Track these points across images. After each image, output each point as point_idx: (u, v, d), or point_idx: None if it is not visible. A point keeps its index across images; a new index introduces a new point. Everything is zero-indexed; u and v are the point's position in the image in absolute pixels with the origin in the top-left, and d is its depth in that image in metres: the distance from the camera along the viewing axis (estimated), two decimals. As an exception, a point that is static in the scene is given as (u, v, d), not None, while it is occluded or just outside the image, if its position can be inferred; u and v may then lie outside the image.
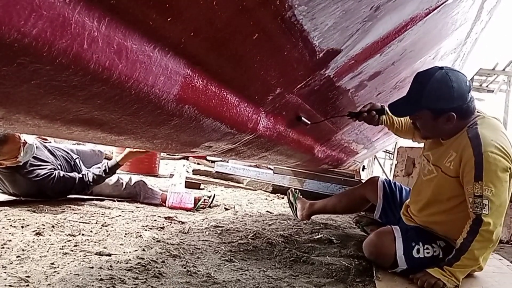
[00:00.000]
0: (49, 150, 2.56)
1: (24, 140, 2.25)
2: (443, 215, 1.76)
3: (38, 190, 2.37)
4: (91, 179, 2.58)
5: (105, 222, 2.03)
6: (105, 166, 2.65)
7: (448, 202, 1.73)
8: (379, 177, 2.39)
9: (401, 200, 2.20)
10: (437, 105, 1.63)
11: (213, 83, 1.16)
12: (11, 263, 1.39)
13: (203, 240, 1.95)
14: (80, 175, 2.55)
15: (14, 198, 2.39)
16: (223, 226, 2.24)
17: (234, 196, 3.71)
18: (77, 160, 2.75)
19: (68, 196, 2.54)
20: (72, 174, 2.52)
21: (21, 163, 2.28)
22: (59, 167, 2.56)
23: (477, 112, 1.72)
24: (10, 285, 1.21)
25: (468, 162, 1.59)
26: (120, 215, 2.26)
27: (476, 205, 1.55)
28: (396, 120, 2.08)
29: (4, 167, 2.28)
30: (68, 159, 2.68)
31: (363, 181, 2.72)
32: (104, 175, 2.63)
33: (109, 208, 2.48)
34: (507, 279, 1.85)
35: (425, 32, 1.90)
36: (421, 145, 2.08)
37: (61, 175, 2.45)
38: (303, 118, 1.82)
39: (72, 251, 1.57)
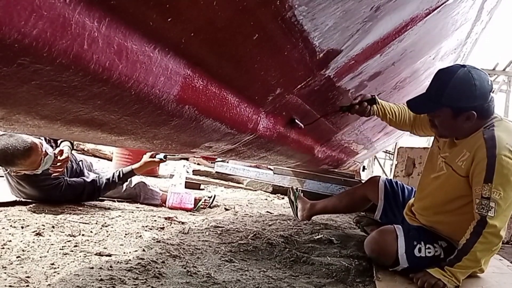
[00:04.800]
0: None
1: (45, 150, 2.24)
2: (449, 215, 1.75)
3: (47, 197, 2.37)
4: (103, 184, 2.57)
5: (105, 223, 2.03)
6: (119, 172, 2.64)
7: (455, 202, 1.72)
8: (380, 176, 2.38)
9: (403, 200, 2.20)
10: (459, 103, 1.61)
11: (213, 83, 1.16)
12: (11, 264, 1.39)
13: (203, 241, 1.94)
14: (90, 180, 2.54)
15: (14, 199, 2.39)
16: (223, 227, 2.24)
17: (234, 197, 3.71)
18: (80, 163, 2.74)
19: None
20: (80, 180, 2.51)
21: (39, 172, 2.28)
22: (66, 173, 2.54)
23: (495, 113, 1.71)
24: (10, 286, 1.21)
25: (480, 163, 1.58)
26: (120, 216, 2.25)
27: (483, 207, 1.55)
28: (389, 111, 2.04)
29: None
30: (72, 164, 2.66)
31: (364, 181, 2.71)
32: (117, 181, 2.63)
33: (109, 208, 2.48)
34: (507, 279, 1.85)
35: (425, 32, 1.90)
36: (420, 142, 2.06)
37: (69, 182, 2.44)
38: (296, 121, 1.81)
39: (72, 251, 1.57)
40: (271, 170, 4.34)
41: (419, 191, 1.96)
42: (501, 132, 1.61)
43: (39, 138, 2.25)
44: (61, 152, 2.36)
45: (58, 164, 2.33)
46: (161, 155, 2.73)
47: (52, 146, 2.38)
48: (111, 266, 1.45)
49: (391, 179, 2.34)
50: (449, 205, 1.75)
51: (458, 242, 1.64)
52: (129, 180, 2.84)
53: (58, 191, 2.38)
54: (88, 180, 2.54)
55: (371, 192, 2.32)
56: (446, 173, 1.75)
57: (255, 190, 4.21)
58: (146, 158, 2.74)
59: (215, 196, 3.12)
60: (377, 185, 2.29)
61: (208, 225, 2.27)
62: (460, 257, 1.59)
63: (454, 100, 1.61)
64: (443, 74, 1.67)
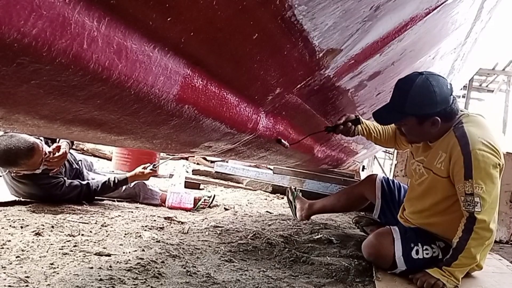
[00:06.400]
0: None
1: (45, 150, 2.24)
2: (439, 216, 1.76)
3: (46, 195, 2.37)
4: (98, 188, 2.57)
5: (105, 222, 2.03)
6: (114, 178, 2.66)
7: (443, 203, 1.74)
8: (377, 175, 2.38)
9: (400, 199, 2.20)
10: (421, 111, 1.64)
11: (213, 83, 1.16)
12: (10, 264, 1.39)
13: (202, 240, 1.94)
14: (85, 183, 2.54)
15: (14, 198, 2.39)
16: (222, 226, 2.24)
17: (233, 196, 3.71)
18: (80, 163, 2.74)
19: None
20: (77, 182, 2.51)
21: (38, 172, 2.28)
22: (64, 172, 2.55)
23: (460, 110, 1.73)
24: (9, 286, 1.21)
25: (457, 161, 1.60)
26: (119, 215, 2.25)
27: (468, 203, 1.56)
28: (373, 130, 2.07)
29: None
30: (71, 163, 2.66)
31: (362, 179, 2.71)
32: (111, 186, 2.63)
33: (108, 208, 2.48)
34: (506, 279, 1.86)
35: (425, 32, 1.90)
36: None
37: (68, 183, 2.44)
38: (282, 141, 1.83)
39: (71, 251, 1.57)
40: (271, 169, 4.34)
41: (408, 196, 1.98)
42: (471, 127, 1.63)
43: (38, 138, 2.25)
44: (58, 148, 2.35)
45: (55, 160, 2.32)
46: (151, 166, 2.79)
47: (49, 146, 2.38)
48: (110, 266, 1.45)
49: (388, 178, 2.34)
50: (438, 206, 1.76)
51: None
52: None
53: (58, 190, 2.38)
54: (84, 183, 2.54)
55: (368, 191, 2.32)
56: (428, 177, 1.77)
57: (255, 190, 4.21)
58: (139, 169, 2.76)
59: (214, 196, 3.12)
60: (374, 184, 2.29)
61: (208, 225, 2.27)
62: (456, 255, 1.60)
63: (416, 109, 1.64)
64: (402, 83, 1.69)
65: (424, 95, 1.62)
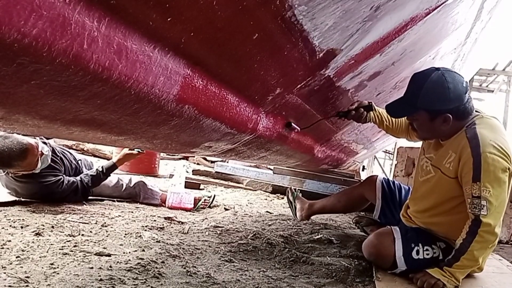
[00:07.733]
0: (54, 152, 2.54)
1: (41, 150, 2.25)
2: (443, 216, 1.76)
3: (47, 194, 2.38)
4: (89, 182, 2.57)
5: (105, 223, 2.03)
6: (101, 167, 2.64)
7: (448, 203, 1.73)
8: (377, 176, 2.38)
9: (401, 200, 2.20)
10: (433, 106, 1.63)
11: (213, 83, 1.16)
12: (10, 264, 1.39)
13: (202, 241, 1.94)
14: (79, 178, 2.54)
15: (14, 198, 2.39)
16: (223, 227, 2.24)
17: (234, 197, 3.71)
18: (79, 162, 2.75)
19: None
20: (73, 179, 2.52)
21: (37, 172, 2.28)
22: (64, 171, 2.55)
23: (476, 111, 1.72)
24: (9, 286, 1.21)
25: (467, 163, 1.59)
26: (119, 216, 2.25)
27: (475, 206, 1.55)
28: (386, 118, 2.06)
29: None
30: (71, 162, 2.66)
31: (362, 180, 2.71)
32: (101, 176, 2.62)
33: (108, 208, 2.48)
34: (507, 279, 1.85)
35: (425, 32, 1.90)
36: (420, 143, 2.06)
37: (68, 180, 2.46)
38: (293, 124, 1.82)
39: (71, 251, 1.57)
40: (271, 170, 4.34)
41: (413, 194, 1.97)
42: (483, 129, 1.62)
43: (35, 138, 2.25)
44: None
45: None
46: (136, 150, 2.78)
47: (46, 144, 2.38)
48: (110, 266, 1.45)
49: (388, 179, 2.34)
50: (443, 206, 1.75)
51: (455, 242, 1.64)
52: (129, 179, 2.85)
53: (59, 188, 2.39)
54: (78, 178, 2.54)
55: (368, 191, 2.32)
56: (435, 176, 1.76)
57: (255, 190, 4.21)
58: (125, 150, 2.77)
59: (214, 196, 3.12)
60: (375, 185, 2.29)
61: (208, 225, 2.27)
62: (458, 257, 1.59)
63: (428, 104, 1.63)
64: (417, 77, 1.68)
65: (437, 91, 1.60)
